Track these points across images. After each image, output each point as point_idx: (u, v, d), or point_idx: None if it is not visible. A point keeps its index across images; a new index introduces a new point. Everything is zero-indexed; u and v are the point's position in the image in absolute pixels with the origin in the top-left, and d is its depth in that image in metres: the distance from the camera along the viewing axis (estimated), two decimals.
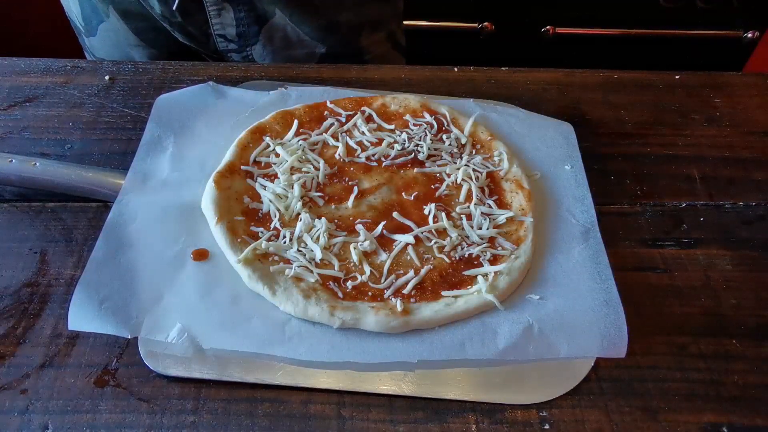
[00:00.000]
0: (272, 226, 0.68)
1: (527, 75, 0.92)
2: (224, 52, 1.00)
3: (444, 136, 0.78)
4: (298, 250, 0.66)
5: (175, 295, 0.62)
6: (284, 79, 0.89)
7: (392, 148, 0.76)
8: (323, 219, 0.68)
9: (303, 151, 0.75)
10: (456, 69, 0.93)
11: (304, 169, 0.74)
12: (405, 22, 1.11)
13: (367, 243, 0.67)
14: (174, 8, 0.92)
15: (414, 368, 0.59)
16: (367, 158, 0.76)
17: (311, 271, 0.64)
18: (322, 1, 0.96)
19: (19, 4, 1.70)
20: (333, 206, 0.71)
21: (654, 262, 0.70)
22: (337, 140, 0.77)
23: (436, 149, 0.77)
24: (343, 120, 0.80)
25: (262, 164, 0.74)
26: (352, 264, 0.66)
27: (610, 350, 0.60)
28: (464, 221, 0.70)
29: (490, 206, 0.72)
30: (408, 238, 0.67)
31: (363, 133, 0.78)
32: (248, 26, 0.96)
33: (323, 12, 0.97)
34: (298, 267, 0.64)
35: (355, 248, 0.66)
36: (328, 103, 0.82)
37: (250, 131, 0.77)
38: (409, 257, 0.66)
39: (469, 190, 0.73)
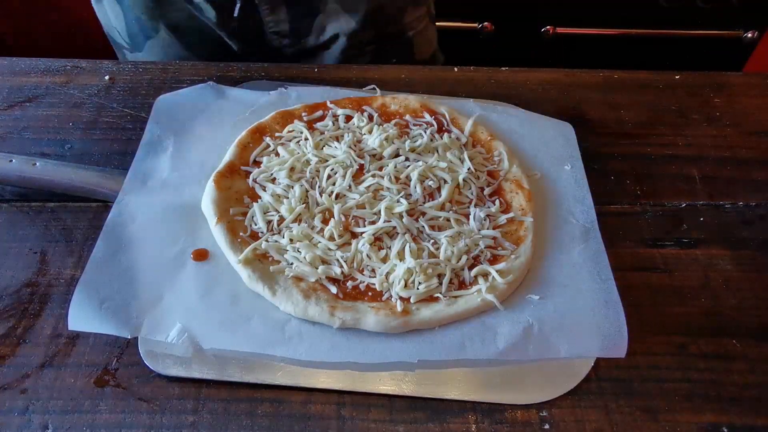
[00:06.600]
0: (272, 226, 0.68)
1: (527, 75, 0.92)
2: (278, 49, 1.01)
3: (444, 136, 0.78)
4: (298, 250, 0.66)
5: (175, 295, 0.62)
6: (284, 79, 0.89)
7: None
8: (322, 218, 0.69)
9: (303, 151, 0.75)
10: (456, 69, 0.93)
11: (304, 169, 0.74)
12: None
13: (367, 243, 0.67)
14: (235, 15, 0.93)
15: (414, 368, 0.59)
16: (371, 156, 0.76)
17: (311, 271, 0.64)
18: None
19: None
20: (333, 206, 0.71)
21: (654, 262, 0.70)
22: (338, 140, 0.77)
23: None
24: (343, 120, 0.80)
25: (262, 164, 0.74)
26: (352, 264, 0.66)
27: (610, 350, 0.60)
28: (464, 221, 0.70)
29: (490, 206, 0.72)
30: (408, 238, 0.67)
31: (363, 134, 0.78)
32: (301, 20, 0.97)
33: None
34: (298, 267, 0.64)
35: (355, 248, 0.66)
36: (328, 103, 0.82)
37: (250, 131, 0.77)
38: None
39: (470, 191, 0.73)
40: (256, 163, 0.75)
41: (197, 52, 1.02)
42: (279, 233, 0.68)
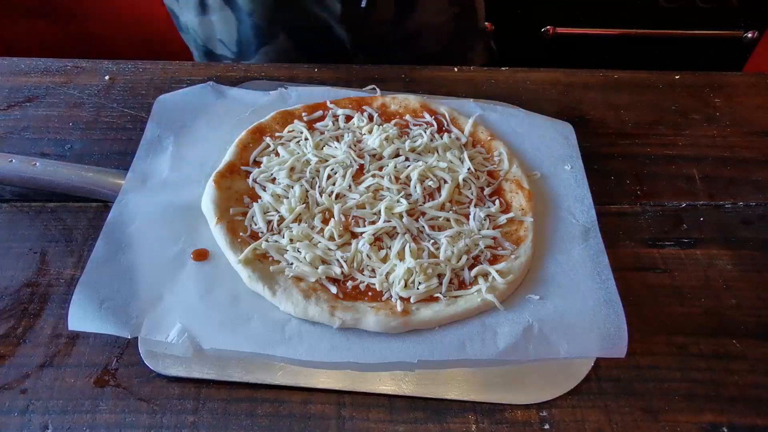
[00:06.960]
0: (272, 226, 0.68)
1: (527, 75, 0.92)
2: (382, 36, 1.01)
3: (444, 136, 0.78)
4: (298, 251, 0.66)
5: (175, 295, 0.62)
6: (284, 79, 0.89)
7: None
8: (322, 218, 0.69)
9: (303, 151, 0.75)
10: (456, 69, 0.93)
11: (304, 169, 0.74)
12: None
13: (367, 243, 0.67)
14: (363, 5, 0.93)
15: (414, 368, 0.59)
16: (371, 156, 0.76)
17: (311, 271, 0.64)
18: None
19: None
20: (333, 206, 0.71)
21: (654, 262, 0.70)
22: (338, 140, 0.77)
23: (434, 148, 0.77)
24: (343, 120, 0.80)
25: (262, 164, 0.74)
26: (352, 264, 0.66)
27: (610, 350, 0.60)
28: (464, 221, 0.70)
29: (490, 206, 0.72)
30: (408, 238, 0.67)
31: (363, 134, 0.78)
32: (404, 3, 0.97)
33: None
34: (298, 267, 0.64)
35: (355, 248, 0.66)
36: (328, 103, 0.82)
37: (250, 131, 0.77)
38: None
39: (470, 191, 0.73)
40: (256, 163, 0.75)
41: (311, 52, 1.02)
42: (279, 233, 0.68)
